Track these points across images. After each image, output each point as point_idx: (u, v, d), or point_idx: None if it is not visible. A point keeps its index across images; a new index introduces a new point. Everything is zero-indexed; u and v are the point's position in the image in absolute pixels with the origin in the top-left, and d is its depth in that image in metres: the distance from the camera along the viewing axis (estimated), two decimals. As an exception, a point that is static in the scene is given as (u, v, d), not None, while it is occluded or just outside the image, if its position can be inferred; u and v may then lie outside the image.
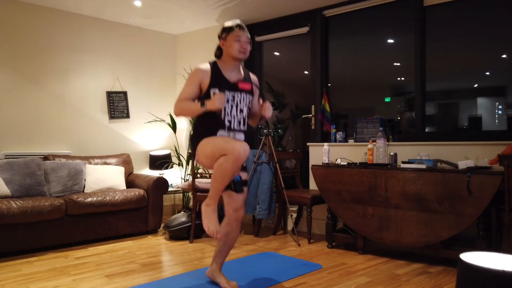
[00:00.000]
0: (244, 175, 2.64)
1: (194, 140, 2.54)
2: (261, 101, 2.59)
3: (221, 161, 2.32)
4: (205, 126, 2.52)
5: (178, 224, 4.08)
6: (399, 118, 4.14)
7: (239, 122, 2.56)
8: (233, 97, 2.52)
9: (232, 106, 2.52)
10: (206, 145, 2.43)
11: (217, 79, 2.51)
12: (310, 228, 3.98)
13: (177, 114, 2.52)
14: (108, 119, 5.09)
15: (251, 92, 2.61)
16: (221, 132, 2.50)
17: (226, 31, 2.52)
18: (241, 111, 2.56)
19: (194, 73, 2.51)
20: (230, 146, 2.28)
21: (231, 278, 2.80)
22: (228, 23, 2.54)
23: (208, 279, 2.81)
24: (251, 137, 4.99)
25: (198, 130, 2.55)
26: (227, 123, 2.51)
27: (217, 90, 2.48)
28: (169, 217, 4.82)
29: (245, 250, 3.71)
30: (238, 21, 2.54)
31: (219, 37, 2.57)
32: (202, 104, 2.40)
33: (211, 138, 2.44)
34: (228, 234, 2.65)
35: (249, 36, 2.55)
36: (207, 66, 2.53)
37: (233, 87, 2.52)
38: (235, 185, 2.56)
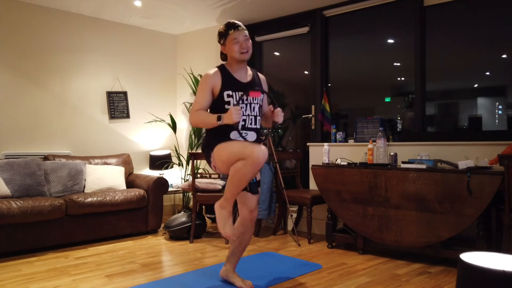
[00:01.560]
0: (258, 176, 2.65)
1: (208, 145, 2.51)
2: (271, 107, 2.57)
3: (240, 165, 2.29)
4: (217, 128, 2.48)
5: (178, 224, 4.08)
6: (399, 118, 4.14)
7: (252, 121, 2.54)
8: (243, 100, 2.50)
9: (246, 105, 2.50)
10: (223, 150, 2.41)
11: (228, 81, 2.50)
12: (310, 228, 3.98)
13: (193, 125, 2.53)
14: (108, 119, 5.10)
15: (261, 92, 2.60)
16: (234, 133, 2.47)
17: (223, 37, 2.51)
18: (254, 109, 2.55)
19: (205, 79, 2.49)
20: (249, 150, 2.25)
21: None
22: (221, 28, 2.51)
23: (220, 279, 2.82)
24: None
25: (211, 134, 2.53)
26: (241, 122, 2.49)
27: (230, 92, 2.47)
28: (169, 217, 4.82)
29: (245, 250, 3.71)
30: (231, 22, 2.50)
31: (219, 42, 2.56)
32: (219, 119, 2.36)
33: (227, 143, 2.41)
34: (244, 234, 2.67)
35: (246, 33, 2.50)
36: (216, 70, 2.52)
37: (244, 87, 2.50)
38: (250, 187, 2.56)
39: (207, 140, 2.56)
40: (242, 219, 2.66)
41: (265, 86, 2.71)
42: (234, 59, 2.50)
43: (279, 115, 2.55)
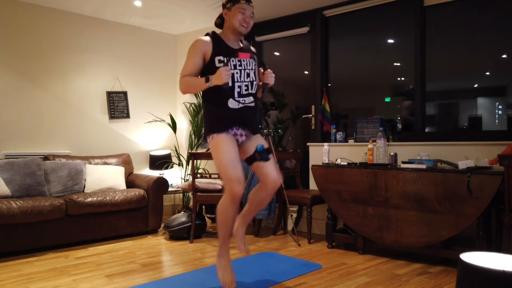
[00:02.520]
0: (265, 143, 2.57)
1: (206, 125, 2.52)
2: (262, 69, 2.56)
3: (221, 203, 2.44)
4: (215, 98, 2.46)
5: (178, 224, 4.08)
6: (398, 118, 4.14)
7: (247, 87, 2.52)
8: (240, 62, 2.48)
9: (240, 71, 2.48)
10: (215, 151, 2.43)
11: (220, 47, 2.46)
12: (310, 228, 3.98)
13: (183, 91, 2.48)
14: (108, 119, 5.09)
15: (253, 58, 2.58)
16: (231, 101, 2.45)
17: (231, 1, 2.46)
18: (248, 75, 2.52)
19: (196, 44, 2.46)
20: (228, 187, 2.35)
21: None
22: None
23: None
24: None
25: (208, 103, 2.52)
26: (237, 89, 2.47)
27: (221, 57, 2.44)
28: (169, 217, 4.82)
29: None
30: None
31: (223, 5, 2.52)
32: (207, 80, 2.34)
33: (219, 144, 2.40)
34: (262, 200, 2.56)
35: (253, 11, 2.50)
36: (207, 37, 2.49)
37: (236, 53, 2.48)
38: (260, 155, 2.49)
39: (206, 115, 2.54)
40: (265, 186, 2.52)
41: (253, 50, 2.69)
42: (232, 27, 2.48)
43: (270, 77, 2.53)
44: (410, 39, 4.00)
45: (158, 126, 5.54)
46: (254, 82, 2.56)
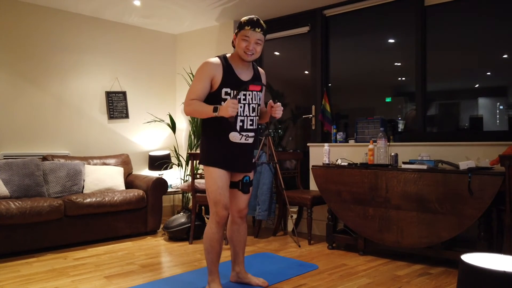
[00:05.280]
0: (251, 176, 2.62)
1: (203, 151, 2.52)
2: (271, 102, 2.50)
3: (206, 229, 2.51)
4: (216, 127, 2.47)
5: (178, 225, 4.07)
6: (399, 118, 4.12)
7: (252, 121, 2.51)
8: (245, 96, 2.46)
9: (244, 105, 2.46)
10: (207, 175, 2.48)
11: (229, 77, 2.43)
12: (311, 229, 3.97)
13: (188, 114, 2.46)
14: (107, 119, 5.08)
15: (262, 89, 2.58)
16: (233, 134, 2.45)
17: (238, 28, 2.42)
18: (254, 110, 2.51)
19: (204, 67, 2.41)
20: (214, 210, 2.45)
21: (227, 278, 2.79)
22: (244, 18, 2.41)
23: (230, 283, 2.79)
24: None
25: (208, 133, 2.51)
26: (239, 123, 2.45)
27: (228, 90, 2.42)
28: (168, 218, 4.81)
29: (245, 251, 3.69)
30: (254, 19, 2.38)
31: (235, 31, 2.48)
32: (215, 110, 2.31)
33: (213, 172, 2.44)
34: (238, 231, 2.67)
35: (260, 36, 2.39)
36: (217, 61, 2.43)
37: (247, 86, 2.45)
38: (242, 186, 2.57)
39: (203, 138, 2.54)
40: (232, 217, 2.66)
41: (264, 79, 2.66)
42: (238, 54, 2.45)
43: (279, 110, 2.48)
44: (411, 39, 3.98)
45: (157, 126, 5.52)
46: (256, 118, 2.55)
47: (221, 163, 2.46)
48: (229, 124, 2.42)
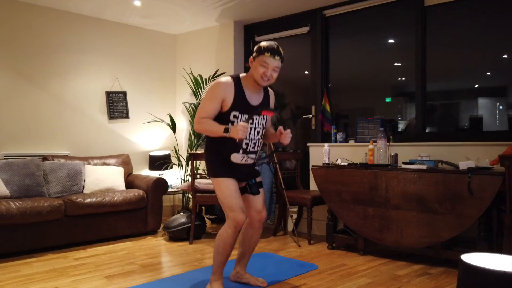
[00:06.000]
0: (258, 178, 2.65)
1: (208, 164, 2.55)
2: (281, 129, 2.49)
3: (222, 231, 2.47)
4: (219, 146, 2.50)
5: (178, 225, 4.07)
6: (399, 118, 4.12)
7: (255, 144, 2.55)
8: (253, 120, 2.48)
9: (251, 129, 2.48)
10: (217, 186, 2.49)
11: (240, 101, 2.44)
12: (311, 229, 3.97)
13: (199, 131, 2.49)
14: (108, 119, 5.08)
15: (274, 112, 2.58)
16: (235, 155, 2.48)
17: (257, 52, 2.39)
18: (258, 133, 2.54)
19: (217, 87, 2.41)
20: (232, 216, 2.41)
21: (226, 278, 2.80)
22: (263, 44, 2.38)
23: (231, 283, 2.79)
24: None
25: (211, 149, 2.54)
26: (244, 146, 2.48)
27: (237, 113, 2.44)
28: (168, 218, 4.81)
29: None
30: (274, 46, 2.37)
31: (252, 53, 2.45)
32: (226, 131, 2.33)
33: (222, 182, 2.45)
34: (252, 237, 2.68)
35: (279, 64, 2.39)
36: (230, 82, 2.43)
37: (254, 110, 2.47)
38: (250, 188, 2.59)
39: (206, 154, 2.56)
40: (250, 221, 2.65)
41: (272, 102, 2.68)
42: (253, 77, 2.44)
43: (288, 137, 2.48)
44: (411, 39, 3.99)
45: (157, 126, 5.52)
46: (260, 140, 2.58)
47: (227, 173, 2.49)
48: (235, 145, 2.46)
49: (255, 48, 2.42)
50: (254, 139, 2.53)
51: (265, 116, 2.56)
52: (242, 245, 2.72)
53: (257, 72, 2.38)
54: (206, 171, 4.86)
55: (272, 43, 2.39)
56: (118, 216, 4.12)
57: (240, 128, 2.28)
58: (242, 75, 2.52)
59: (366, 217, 3.45)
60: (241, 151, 2.48)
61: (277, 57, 2.37)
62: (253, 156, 2.58)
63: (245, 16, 4.86)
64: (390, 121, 4.06)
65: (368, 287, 2.74)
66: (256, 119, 2.50)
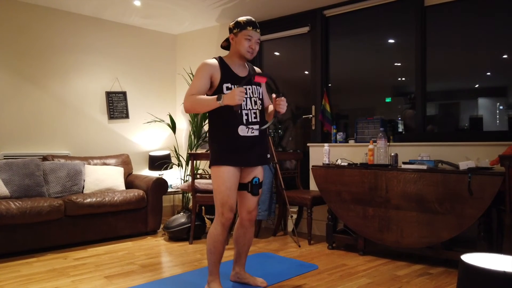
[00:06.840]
0: (261, 177, 2.63)
1: (211, 150, 2.51)
2: (274, 96, 2.50)
3: (211, 229, 2.50)
4: (223, 122, 2.47)
5: (178, 225, 4.07)
6: (399, 118, 4.12)
7: (255, 114, 2.52)
8: (246, 90, 2.48)
9: (246, 99, 2.48)
10: (215, 176, 2.46)
11: (227, 74, 2.47)
12: (311, 229, 3.97)
13: (188, 110, 2.41)
14: (108, 120, 5.08)
15: (259, 84, 2.59)
16: (241, 128, 2.45)
17: (238, 27, 2.47)
18: (255, 103, 2.53)
19: (203, 67, 2.45)
20: (220, 211, 2.44)
21: (226, 278, 2.80)
22: (242, 19, 2.48)
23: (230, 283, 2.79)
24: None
25: (215, 129, 2.51)
26: (244, 117, 2.46)
27: (229, 85, 2.44)
28: (168, 218, 4.81)
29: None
30: (252, 19, 2.49)
31: (230, 30, 2.51)
32: (219, 98, 2.28)
33: (222, 172, 2.43)
34: (245, 235, 2.68)
35: (260, 37, 2.53)
36: (214, 61, 2.49)
37: (244, 81, 2.45)
38: (252, 188, 2.56)
39: (213, 144, 2.51)
40: (241, 220, 2.66)
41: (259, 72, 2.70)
42: (238, 53, 2.49)
43: (283, 105, 2.46)
44: (411, 39, 3.98)
45: (157, 127, 5.52)
46: (259, 110, 2.55)
47: (232, 160, 2.45)
48: (234, 115, 2.41)
49: (233, 25, 2.50)
50: (252, 108, 2.50)
51: (257, 87, 2.55)
52: (236, 244, 2.72)
53: (243, 46, 2.46)
54: (206, 171, 4.87)
55: (249, 17, 2.51)
56: (118, 216, 4.12)
57: (236, 92, 2.23)
58: (223, 56, 2.57)
59: (366, 217, 3.45)
60: (244, 122, 2.45)
61: (258, 30, 2.50)
62: (257, 127, 2.51)
63: (245, 16, 4.85)
64: (390, 121, 4.06)
65: (368, 287, 2.74)
66: (249, 89, 2.50)
